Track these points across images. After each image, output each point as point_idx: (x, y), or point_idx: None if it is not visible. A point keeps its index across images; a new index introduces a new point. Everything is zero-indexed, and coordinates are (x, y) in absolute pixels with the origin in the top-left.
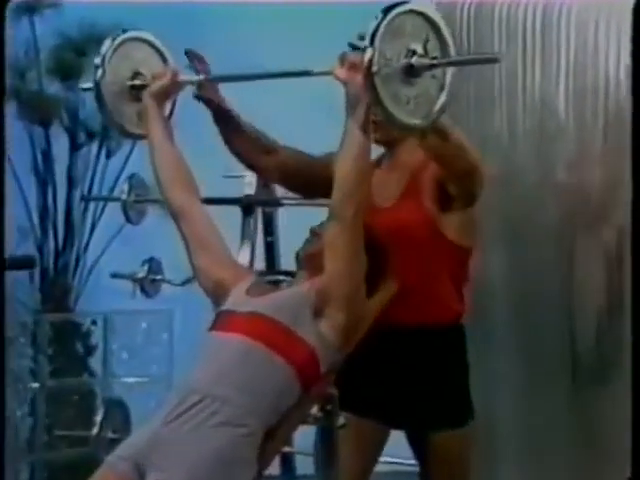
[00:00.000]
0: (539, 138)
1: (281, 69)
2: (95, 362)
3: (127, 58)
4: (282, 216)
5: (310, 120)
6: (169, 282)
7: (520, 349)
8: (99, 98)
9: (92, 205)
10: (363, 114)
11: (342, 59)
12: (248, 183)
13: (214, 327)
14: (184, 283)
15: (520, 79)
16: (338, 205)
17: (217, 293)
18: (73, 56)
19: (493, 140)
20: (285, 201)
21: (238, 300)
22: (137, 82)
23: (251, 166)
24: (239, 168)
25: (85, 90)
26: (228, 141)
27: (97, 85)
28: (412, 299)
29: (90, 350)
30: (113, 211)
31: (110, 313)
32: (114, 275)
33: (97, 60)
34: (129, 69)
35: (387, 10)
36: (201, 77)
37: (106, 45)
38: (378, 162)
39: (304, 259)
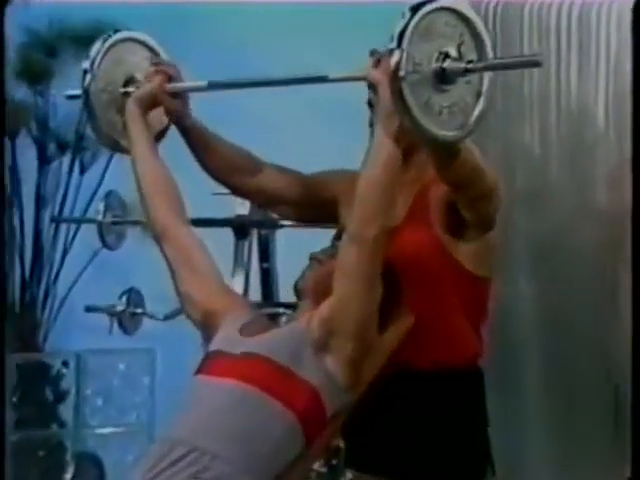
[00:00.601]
0: (575, 150)
1: (279, 70)
2: (65, 410)
3: (120, 62)
4: (280, 240)
5: (311, 128)
6: (151, 316)
7: (550, 393)
8: (88, 107)
9: (63, 227)
10: (396, 121)
11: (377, 58)
12: (241, 202)
13: (202, 370)
14: (168, 318)
15: (553, 83)
16: (359, 225)
17: (207, 324)
18: (42, 56)
19: (522, 152)
20: (284, 222)
21: (230, 339)
22: (131, 89)
23: (231, 188)
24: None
25: (71, 98)
26: (202, 161)
27: (86, 92)
28: (420, 336)
29: (60, 396)
30: (87, 234)
31: (83, 353)
32: (88, 308)
33: (86, 64)
34: (122, 74)
35: (416, 8)
36: (200, 84)
37: (96, 47)
38: None
39: (307, 290)
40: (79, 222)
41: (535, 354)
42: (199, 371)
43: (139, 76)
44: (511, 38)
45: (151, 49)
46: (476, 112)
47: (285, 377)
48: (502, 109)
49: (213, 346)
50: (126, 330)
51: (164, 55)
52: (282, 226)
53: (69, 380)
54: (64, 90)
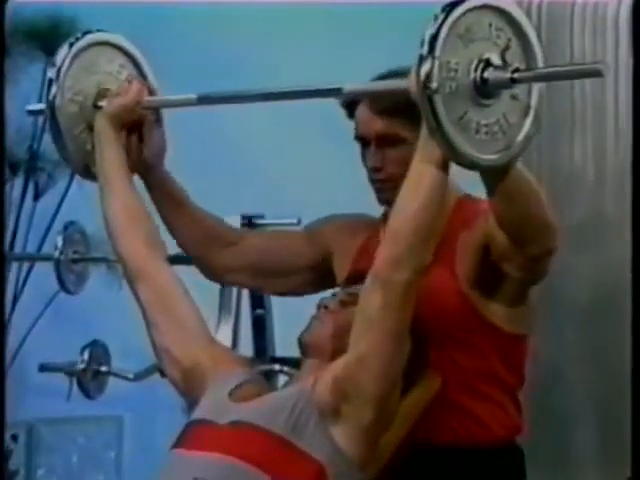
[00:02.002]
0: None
1: (268, 72)
2: None
3: (91, 70)
4: None
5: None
6: (118, 376)
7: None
8: (53, 124)
9: (14, 266)
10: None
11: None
12: None
13: (181, 443)
14: (139, 377)
15: (610, 92)
16: (388, 266)
17: (191, 385)
18: None
19: (573, 180)
20: None
21: (217, 406)
22: (104, 103)
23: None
24: (215, 212)
25: (34, 113)
26: (172, 225)
27: (51, 107)
28: (445, 409)
29: (7, 478)
30: (42, 275)
31: (36, 423)
32: (43, 367)
33: (51, 72)
34: (94, 85)
35: (451, 7)
36: (188, 97)
37: (62, 52)
38: (386, 218)
39: (314, 346)
40: (33, 259)
41: (588, 424)
42: (177, 444)
43: (114, 88)
44: (559, 37)
45: (130, 56)
46: (522, 133)
47: (283, 451)
48: (547, 123)
49: (196, 414)
50: (88, 393)
51: (146, 65)
52: None
53: (19, 457)
54: (15, 98)
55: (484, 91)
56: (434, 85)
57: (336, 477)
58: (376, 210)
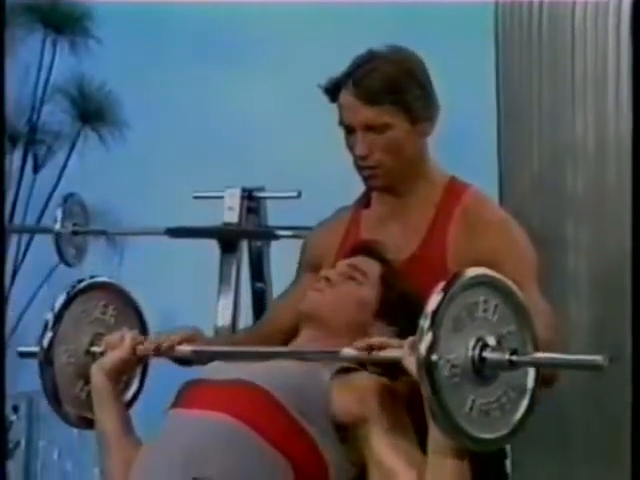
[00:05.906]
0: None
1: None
2: (15, 467)
3: (78, 325)
4: (276, 254)
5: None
6: None
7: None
8: (46, 370)
9: (14, 239)
10: None
11: (413, 342)
12: (229, 207)
13: (180, 403)
14: None
15: (611, 93)
16: None
17: None
18: None
19: (574, 152)
20: (281, 232)
21: (215, 366)
22: (98, 349)
23: None
24: (216, 185)
25: (25, 356)
26: None
27: (46, 352)
28: None
29: (8, 449)
30: (42, 247)
31: (37, 394)
32: None
33: (49, 316)
34: (88, 335)
35: (450, 283)
36: (185, 349)
37: (61, 299)
38: (367, 201)
39: (311, 315)
40: (32, 232)
41: (588, 424)
42: (176, 404)
43: (103, 331)
44: (560, 37)
45: (125, 296)
46: (518, 414)
47: (285, 420)
48: (548, 98)
49: (195, 378)
50: None
51: (132, 297)
52: (278, 237)
53: (19, 429)
54: (14, 70)
55: (483, 371)
56: (434, 357)
57: (336, 469)
58: None
